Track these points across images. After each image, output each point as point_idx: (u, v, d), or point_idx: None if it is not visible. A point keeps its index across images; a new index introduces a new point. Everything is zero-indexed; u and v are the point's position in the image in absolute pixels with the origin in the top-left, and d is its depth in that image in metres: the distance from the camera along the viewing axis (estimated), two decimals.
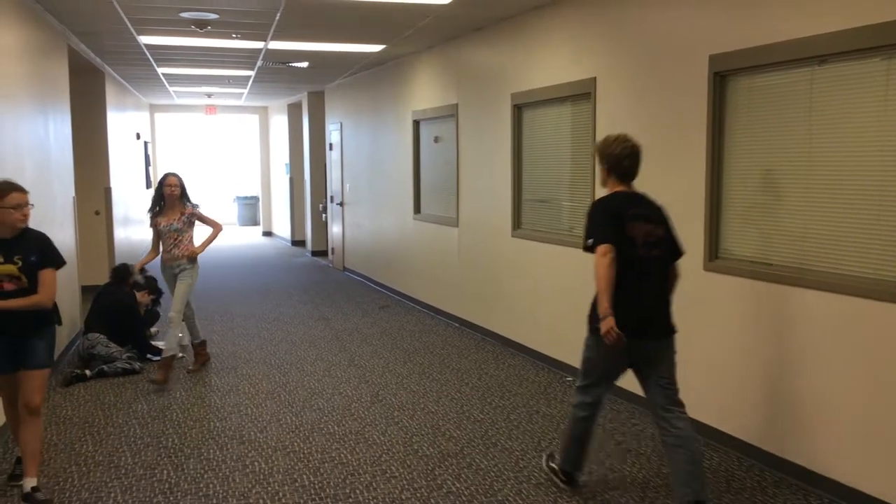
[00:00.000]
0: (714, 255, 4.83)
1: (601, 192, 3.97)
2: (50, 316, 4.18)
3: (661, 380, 3.84)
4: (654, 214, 3.95)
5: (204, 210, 6.88)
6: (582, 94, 6.07)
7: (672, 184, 5.12)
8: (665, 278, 3.96)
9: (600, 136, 5.76)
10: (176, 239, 6.38)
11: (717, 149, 4.77)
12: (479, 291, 7.98)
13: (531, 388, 6.11)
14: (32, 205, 4.05)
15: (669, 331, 3.90)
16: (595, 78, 5.86)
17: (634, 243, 3.82)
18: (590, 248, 3.83)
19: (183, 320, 6.48)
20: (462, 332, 8.14)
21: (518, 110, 7.06)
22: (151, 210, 6.50)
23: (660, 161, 5.24)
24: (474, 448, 4.83)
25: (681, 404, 3.86)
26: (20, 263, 3.97)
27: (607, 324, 3.67)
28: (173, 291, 6.44)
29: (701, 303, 4.91)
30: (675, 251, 3.98)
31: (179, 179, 6.43)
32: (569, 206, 6.50)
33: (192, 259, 6.42)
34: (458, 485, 4.28)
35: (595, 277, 3.75)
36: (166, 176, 6.43)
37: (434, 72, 8.98)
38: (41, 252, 4.06)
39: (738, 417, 4.71)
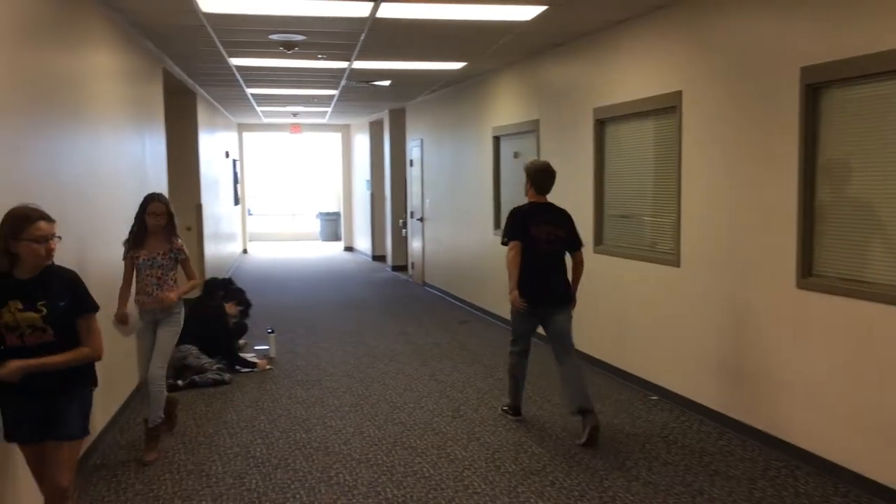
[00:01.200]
0: (807, 272, 4.67)
1: (687, 205, 4.01)
2: (86, 373, 3.41)
3: (556, 335, 5.46)
4: (556, 219, 5.50)
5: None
6: (667, 108, 5.98)
7: (761, 198, 5.00)
8: (562, 265, 5.52)
9: (687, 150, 5.72)
10: (160, 278, 5.05)
11: (809, 163, 4.63)
12: None
13: (614, 405, 6.02)
14: (59, 237, 3.31)
15: (564, 301, 5.47)
16: (681, 91, 5.77)
17: (538, 240, 5.40)
18: (504, 244, 5.48)
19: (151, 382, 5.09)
20: (543, 349, 8.06)
21: (600, 125, 7.01)
22: (127, 241, 5.11)
23: (749, 175, 5.13)
24: (557, 466, 4.79)
25: (571, 347, 5.44)
26: (45, 311, 3.18)
27: (513, 296, 5.43)
28: (146, 342, 5.23)
29: (794, 321, 4.76)
30: (572, 245, 5.53)
31: (166, 205, 5.08)
32: (652, 221, 6.40)
33: (178, 303, 5.14)
34: (541, 503, 4.25)
35: (506, 265, 5.45)
36: (149, 200, 5.07)
37: (514, 88, 9.00)
38: (74, 296, 3.28)
39: (837, 441, 4.53)
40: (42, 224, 3.19)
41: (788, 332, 4.80)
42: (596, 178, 7.08)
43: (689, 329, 5.80)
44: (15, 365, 3.14)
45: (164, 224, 5.05)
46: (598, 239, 7.11)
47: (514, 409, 5.77)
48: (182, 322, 5.24)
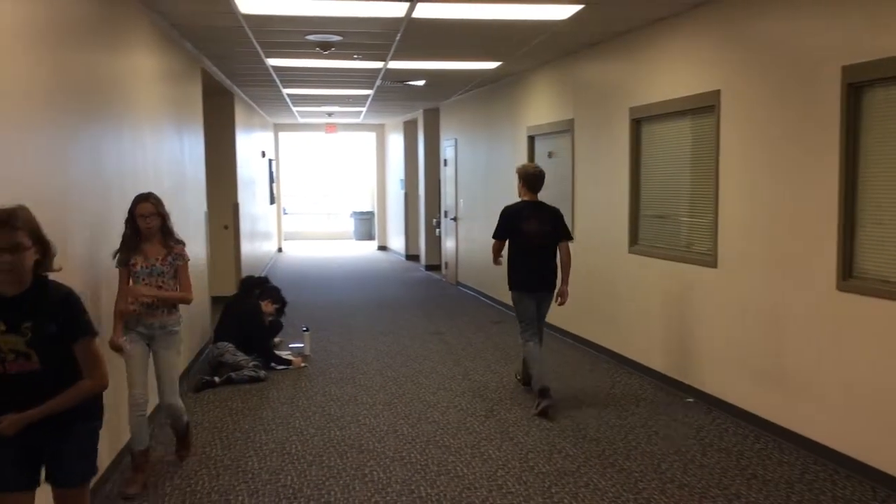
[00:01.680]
0: (848, 274, 4.60)
1: (725, 205, 3.99)
2: (88, 409, 2.91)
3: (539, 316, 6.14)
4: (544, 216, 6.15)
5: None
6: (705, 108, 5.93)
7: (801, 198, 4.93)
8: (551, 257, 6.13)
9: (725, 150, 5.66)
10: (160, 287, 4.52)
11: (850, 163, 4.55)
12: (593, 308, 7.88)
13: (649, 407, 5.98)
14: (59, 268, 2.84)
15: (549, 288, 6.13)
16: (719, 91, 5.72)
17: (529, 235, 6.06)
18: (494, 237, 6.29)
19: (140, 412, 4.53)
20: (576, 349, 8.06)
21: (636, 124, 6.96)
22: (119, 251, 4.50)
23: (788, 175, 5.06)
24: (591, 467, 4.77)
25: (542, 329, 6.20)
26: (29, 335, 2.69)
27: (511, 286, 6.24)
28: (139, 361, 4.50)
29: (834, 324, 4.69)
30: (559, 238, 6.13)
31: (157, 205, 4.51)
32: (688, 221, 6.34)
33: (176, 318, 4.64)
34: None
35: (492, 256, 6.39)
36: (137, 200, 4.49)
37: (549, 87, 8.98)
38: (67, 318, 2.74)
39: (877, 445, 4.45)
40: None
41: (828, 335, 4.73)
42: (632, 178, 7.03)
43: (725, 330, 5.74)
44: (10, 420, 2.67)
45: (158, 226, 4.50)
46: (633, 239, 7.06)
47: (526, 382, 6.35)
48: (181, 340, 4.74)
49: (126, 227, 4.50)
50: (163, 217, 4.54)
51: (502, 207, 6.40)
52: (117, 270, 4.49)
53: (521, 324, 6.17)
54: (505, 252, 6.34)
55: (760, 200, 5.32)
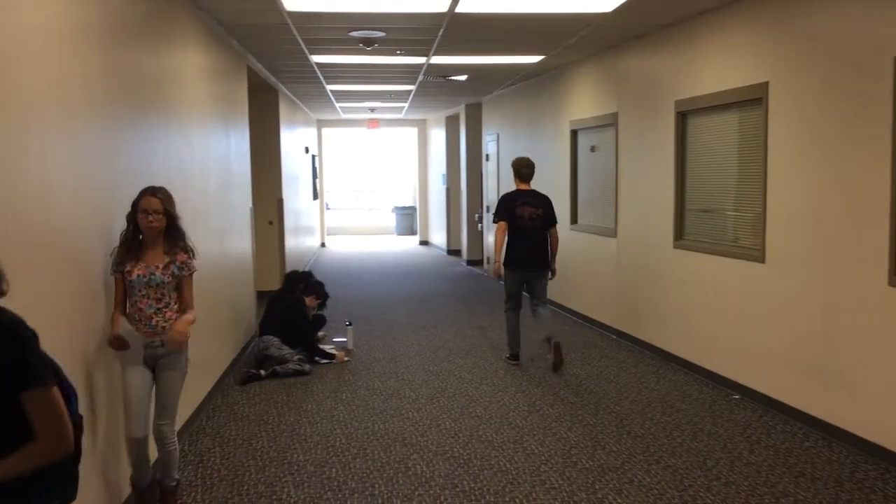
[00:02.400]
0: None
1: (773, 200, 3.92)
2: (41, 482, 2.04)
3: (535, 293, 7.07)
4: (537, 202, 7.03)
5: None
6: (752, 100, 5.83)
7: (852, 193, 4.83)
8: (544, 238, 7.01)
9: (774, 143, 5.57)
10: (159, 300, 3.81)
11: None
12: (637, 303, 7.82)
13: (695, 404, 5.91)
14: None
15: (542, 267, 7.01)
16: (767, 83, 5.62)
17: (522, 218, 6.93)
18: (494, 222, 7.09)
19: (139, 443, 3.85)
20: (620, 344, 8.00)
21: (682, 117, 6.87)
22: (116, 252, 3.80)
23: (839, 169, 4.96)
24: (636, 463, 4.73)
25: (545, 302, 7.11)
26: None
27: (497, 267, 7.04)
28: (137, 388, 3.82)
29: (884, 320, 4.59)
30: (549, 222, 7.02)
31: (166, 201, 3.81)
32: (735, 216, 6.25)
33: (185, 338, 3.90)
34: (619, 500, 4.21)
35: (494, 240, 7.07)
36: (142, 194, 3.79)
37: (593, 81, 8.91)
38: (9, 358, 1.95)
39: None
40: None
41: (879, 331, 4.63)
42: (677, 172, 6.95)
43: (773, 326, 5.65)
44: None
45: (164, 227, 3.80)
46: (679, 234, 6.98)
47: (514, 356, 7.25)
48: (189, 361, 4.03)
49: (127, 226, 3.80)
50: (171, 217, 3.83)
51: (501, 195, 7.52)
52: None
53: (507, 299, 7.18)
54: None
55: (810, 194, 5.22)
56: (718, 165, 6.43)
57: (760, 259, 5.76)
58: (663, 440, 5.13)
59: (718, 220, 6.49)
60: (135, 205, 3.79)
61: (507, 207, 7.04)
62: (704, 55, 6.49)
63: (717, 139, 6.44)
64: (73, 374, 2.85)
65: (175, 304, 3.90)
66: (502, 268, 7.03)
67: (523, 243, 6.96)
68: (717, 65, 6.31)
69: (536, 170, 7.28)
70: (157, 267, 3.81)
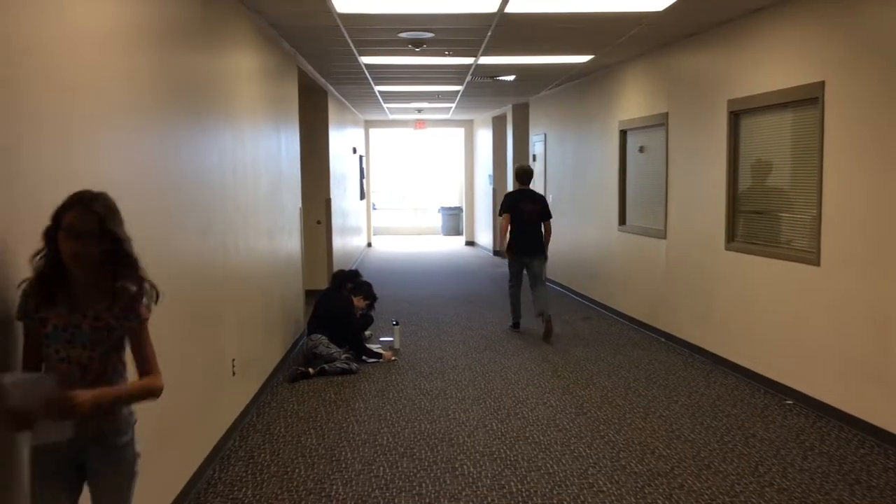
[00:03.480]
0: None
1: (829, 201, 3.83)
2: None
3: (532, 274, 8.43)
4: (535, 199, 8.55)
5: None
6: (808, 100, 5.71)
7: None
8: (539, 230, 8.48)
9: (830, 144, 5.45)
10: (86, 367, 2.48)
11: None
12: (687, 305, 7.71)
13: (746, 409, 5.81)
14: None
15: (539, 253, 8.49)
16: (823, 82, 5.50)
17: (523, 212, 8.39)
18: (500, 215, 8.55)
19: None
20: (669, 348, 7.90)
21: (735, 117, 6.76)
22: (27, 291, 2.47)
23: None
24: (685, 469, 4.67)
25: (542, 282, 8.48)
26: None
27: (502, 241, 8.67)
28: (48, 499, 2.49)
29: None
30: (545, 216, 8.49)
31: (105, 216, 2.45)
32: (789, 217, 6.13)
33: (126, 423, 2.60)
34: None
35: (499, 228, 8.81)
36: (70, 206, 2.42)
37: (643, 80, 8.81)
38: None
39: None
40: None
41: None
42: (729, 173, 6.84)
43: (828, 330, 5.52)
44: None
45: (96, 257, 2.44)
46: (731, 236, 6.87)
47: (515, 325, 8.83)
48: (138, 455, 2.63)
49: (44, 247, 2.44)
50: (113, 239, 2.45)
51: (506, 193, 9.30)
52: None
53: (509, 278, 8.77)
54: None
55: (867, 197, 5.10)
56: (772, 166, 6.31)
57: (815, 262, 5.63)
58: (714, 445, 5.06)
59: (772, 222, 6.37)
60: (56, 218, 2.42)
61: (512, 203, 8.52)
62: (758, 54, 6.38)
63: (771, 139, 6.32)
64: None
65: (118, 372, 2.55)
66: (509, 251, 8.63)
67: (522, 233, 8.48)
68: (771, 64, 6.20)
69: (584, 171, 7.30)
70: (85, 316, 2.46)
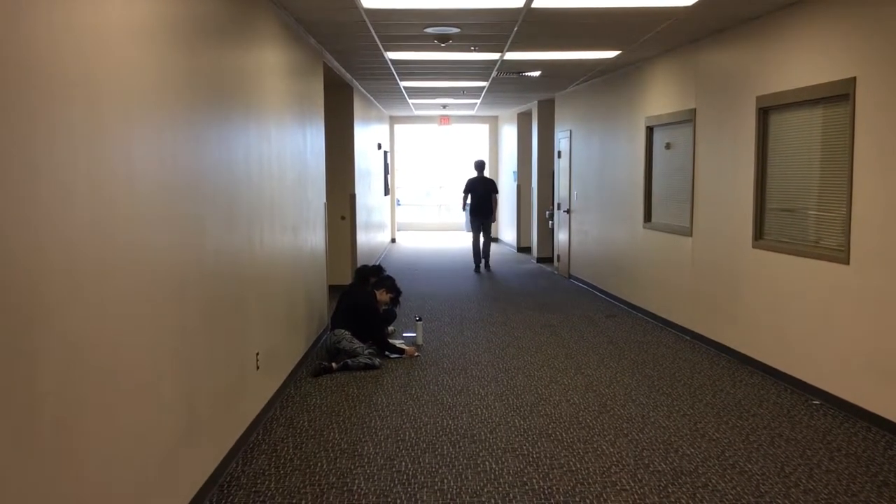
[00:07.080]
0: None
1: (859, 199, 3.77)
2: None
3: (483, 231, 14.07)
4: (486, 183, 14.14)
5: None
6: (839, 96, 5.63)
7: None
8: (488, 200, 13.99)
9: (861, 141, 5.37)
10: None
11: None
12: (713, 304, 7.64)
13: (772, 409, 5.75)
14: None
15: (486, 216, 13.97)
16: (854, 78, 5.41)
17: (478, 191, 13.98)
18: (464, 193, 14.20)
19: None
20: (694, 346, 7.83)
21: (764, 114, 6.68)
22: None
23: None
24: (710, 468, 4.63)
25: (488, 236, 14.21)
26: None
27: (470, 214, 14.22)
28: None
29: None
30: (492, 192, 14.06)
31: None
32: (818, 215, 6.05)
33: None
34: None
35: (461, 200, 14.60)
36: None
37: (670, 76, 8.74)
38: None
39: None
40: None
41: None
42: (757, 170, 6.76)
43: (857, 330, 5.45)
44: None
45: None
46: (758, 234, 6.79)
47: (476, 269, 13.79)
48: None
49: None
50: None
51: (467, 179, 14.64)
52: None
53: (472, 233, 13.94)
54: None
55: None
56: (801, 163, 6.23)
57: (845, 260, 5.56)
58: (739, 445, 5.01)
59: (801, 220, 6.29)
60: None
61: (471, 185, 14.02)
62: (788, 50, 6.29)
63: (801, 136, 6.24)
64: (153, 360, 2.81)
65: None
66: (467, 215, 13.94)
67: (476, 204, 13.93)
68: (801, 60, 6.12)
69: (610, 167, 7.24)
70: None
